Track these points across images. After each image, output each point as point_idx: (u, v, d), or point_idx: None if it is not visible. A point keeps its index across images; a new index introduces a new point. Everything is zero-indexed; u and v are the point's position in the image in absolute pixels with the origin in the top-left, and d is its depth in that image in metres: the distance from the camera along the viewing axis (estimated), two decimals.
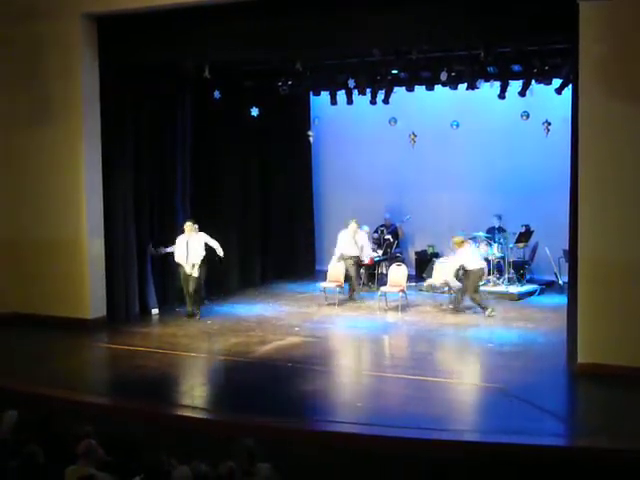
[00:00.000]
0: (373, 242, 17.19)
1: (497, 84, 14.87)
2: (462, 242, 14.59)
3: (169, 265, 15.02)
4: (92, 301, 13.81)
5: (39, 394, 9.95)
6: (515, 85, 14.89)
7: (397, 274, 15.25)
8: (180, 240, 14.34)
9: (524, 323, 13.69)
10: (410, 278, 16.00)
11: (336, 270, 15.79)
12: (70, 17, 13.41)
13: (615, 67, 10.25)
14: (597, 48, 10.28)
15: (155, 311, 14.75)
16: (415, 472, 8.04)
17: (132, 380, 10.75)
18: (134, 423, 9.08)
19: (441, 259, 16.11)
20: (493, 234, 16.67)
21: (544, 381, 10.51)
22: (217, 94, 15.46)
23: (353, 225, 15.85)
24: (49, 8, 13.51)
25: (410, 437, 8.50)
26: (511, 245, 16.38)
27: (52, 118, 13.72)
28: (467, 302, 14.59)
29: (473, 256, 14.66)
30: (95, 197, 13.84)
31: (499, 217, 16.85)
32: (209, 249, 14.35)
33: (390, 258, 17.04)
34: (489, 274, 16.35)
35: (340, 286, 15.52)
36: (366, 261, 16.03)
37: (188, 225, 14.25)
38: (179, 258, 14.31)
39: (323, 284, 15.67)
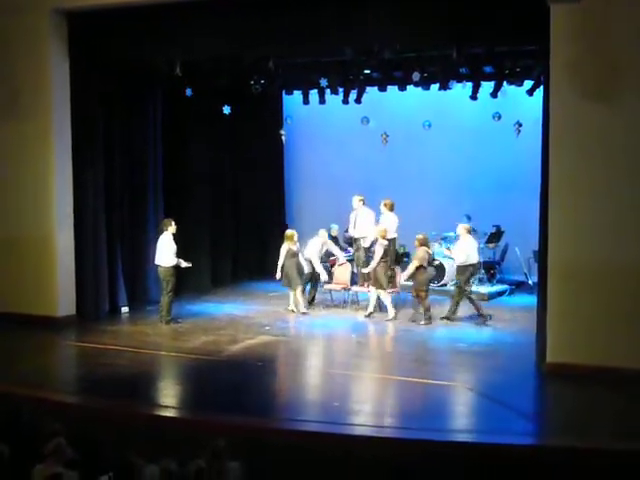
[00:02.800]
0: (344, 241, 17.14)
1: (469, 85, 14.96)
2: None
3: (139, 263, 15.00)
4: (61, 299, 13.70)
5: (7, 392, 9.84)
6: (487, 86, 14.99)
7: (342, 272, 15.37)
8: (318, 243, 14.96)
9: (494, 323, 13.76)
10: None
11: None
12: (39, 12, 13.28)
13: (586, 68, 10.32)
14: (568, 49, 10.36)
15: (125, 309, 14.65)
16: (383, 471, 8.05)
17: (101, 378, 10.67)
18: (103, 421, 9.02)
19: None
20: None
21: (513, 381, 10.56)
22: (189, 92, 15.39)
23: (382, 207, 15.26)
24: (18, 3, 13.38)
25: (378, 436, 8.52)
26: (482, 245, 16.44)
27: (21, 113, 13.59)
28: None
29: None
30: (65, 193, 13.72)
31: (469, 217, 16.91)
32: None
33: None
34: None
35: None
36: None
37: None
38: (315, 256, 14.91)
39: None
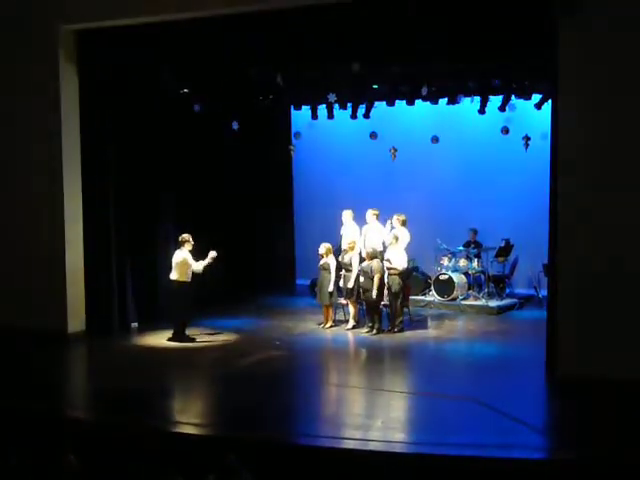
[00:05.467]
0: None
1: (477, 99, 14.99)
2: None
3: (149, 279, 15.00)
4: (71, 314, 13.71)
5: (17, 407, 9.86)
6: (495, 100, 15.02)
7: None
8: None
9: (503, 337, 13.74)
10: None
11: None
12: (49, 29, 13.36)
13: (594, 83, 10.36)
14: (576, 64, 10.39)
15: (135, 325, 14.65)
16: None
17: (111, 394, 10.65)
18: (114, 438, 9.02)
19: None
20: (468, 248, 16.74)
21: (523, 394, 10.53)
22: (197, 107, 15.44)
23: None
24: (28, 20, 13.50)
25: (388, 451, 8.49)
26: (491, 259, 16.46)
27: (31, 132, 13.69)
28: None
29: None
30: (74, 209, 13.79)
31: (475, 231, 16.93)
32: None
33: None
34: (469, 289, 16.40)
35: None
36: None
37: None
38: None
39: None
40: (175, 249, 13.67)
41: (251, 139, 17.25)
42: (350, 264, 14.27)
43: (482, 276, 16.45)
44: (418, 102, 15.33)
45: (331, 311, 14.56)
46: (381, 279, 13.72)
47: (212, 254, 13.53)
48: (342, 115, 16.48)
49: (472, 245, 16.78)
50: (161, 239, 15.27)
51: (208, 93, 15.39)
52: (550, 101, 11.96)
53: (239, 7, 12.33)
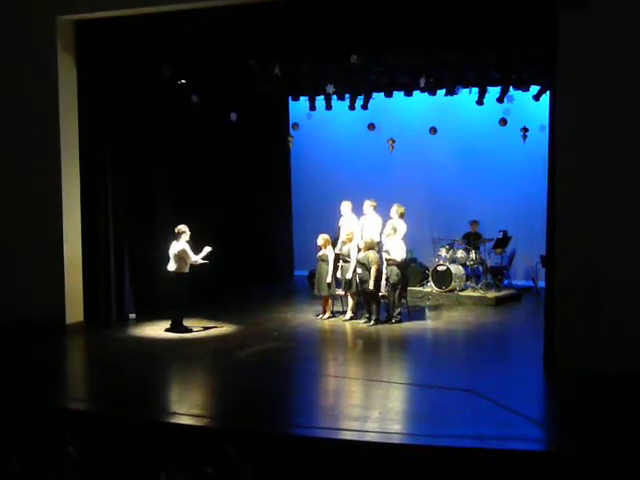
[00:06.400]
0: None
1: (475, 90, 14.99)
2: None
3: (148, 270, 14.98)
4: (69, 305, 13.69)
5: (16, 401, 9.86)
6: (493, 91, 15.01)
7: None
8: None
9: (501, 328, 13.76)
10: None
11: None
12: (47, 19, 13.30)
13: (593, 76, 10.35)
14: (575, 55, 10.38)
15: (133, 316, 14.66)
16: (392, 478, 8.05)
17: (109, 385, 10.68)
18: (112, 429, 9.03)
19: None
20: (468, 240, 16.74)
21: (520, 386, 10.54)
22: (195, 98, 15.40)
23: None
24: (24, 11, 13.46)
25: (386, 442, 8.50)
26: (489, 251, 16.47)
27: (30, 122, 13.64)
28: None
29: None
30: (73, 200, 13.76)
31: (476, 223, 16.91)
32: None
33: None
34: (467, 280, 16.41)
35: None
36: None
37: None
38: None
39: None
40: (172, 240, 13.66)
41: (249, 130, 17.23)
42: (349, 255, 14.28)
43: (480, 267, 16.46)
44: (416, 93, 15.34)
45: (329, 302, 14.59)
46: (378, 270, 13.72)
47: (207, 249, 13.52)
48: (340, 106, 16.47)
49: (472, 237, 16.78)
50: (159, 230, 15.24)
51: (206, 84, 15.36)
52: (548, 93, 11.97)
53: None
